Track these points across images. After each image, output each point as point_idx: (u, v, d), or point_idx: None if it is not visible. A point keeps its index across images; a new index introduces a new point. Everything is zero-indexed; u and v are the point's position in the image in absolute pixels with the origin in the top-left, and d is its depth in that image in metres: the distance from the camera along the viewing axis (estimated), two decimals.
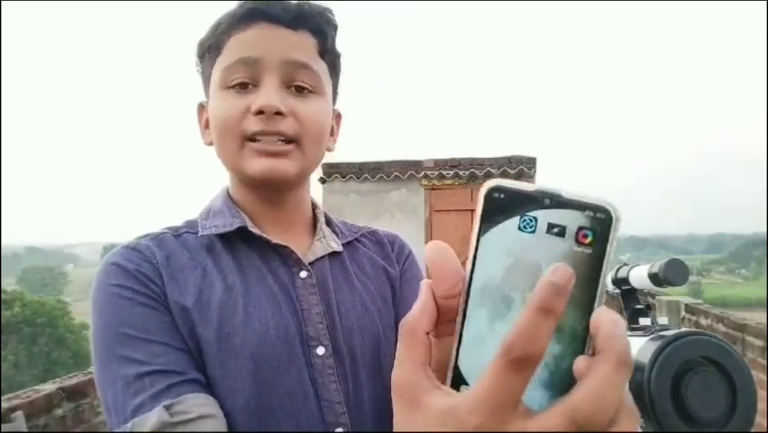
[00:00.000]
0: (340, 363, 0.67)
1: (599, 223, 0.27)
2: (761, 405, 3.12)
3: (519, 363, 0.24)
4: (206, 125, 0.72)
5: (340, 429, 0.64)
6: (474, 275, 0.29)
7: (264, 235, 0.68)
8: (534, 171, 6.59)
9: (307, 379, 0.64)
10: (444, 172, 6.71)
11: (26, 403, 2.46)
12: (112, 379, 0.57)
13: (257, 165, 0.65)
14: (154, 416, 0.53)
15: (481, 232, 0.29)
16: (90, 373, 2.85)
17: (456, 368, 0.29)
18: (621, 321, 0.26)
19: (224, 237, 0.69)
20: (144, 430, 0.53)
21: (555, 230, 0.28)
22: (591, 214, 0.27)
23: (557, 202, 0.28)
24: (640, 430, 0.51)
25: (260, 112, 0.64)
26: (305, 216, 0.76)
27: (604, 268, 0.27)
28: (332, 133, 0.75)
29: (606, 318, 0.26)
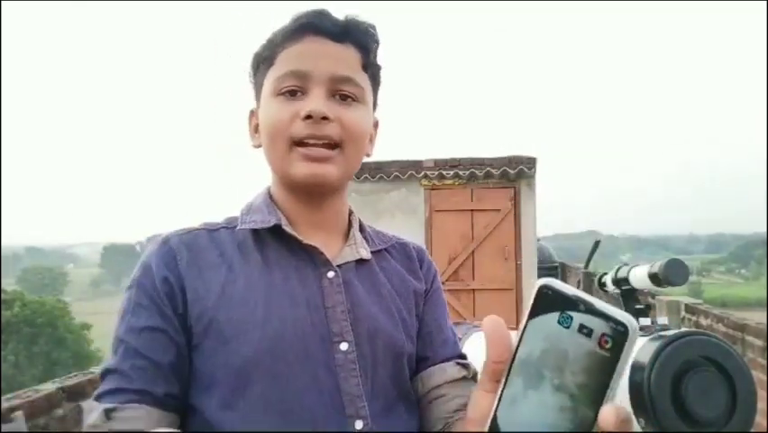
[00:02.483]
0: (362, 359, 0.70)
1: (619, 334, 0.34)
2: (761, 405, 3.11)
3: None
4: (255, 130, 0.79)
5: (360, 422, 0.67)
6: (519, 350, 0.37)
7: (296, 235, 0.73)
8: (534, 171, 6.55)
9: (328, 373, 0.68)
10: (444, 172, 6.69)
11: (26, 403, 2.46)
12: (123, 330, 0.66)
13: (302, 169, 0.71)
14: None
15: (530, 316, 0.37)
16: (91, 372, 2.84)
17: (495, 418, 0.37)
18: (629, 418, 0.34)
19: (257, 234, 0.74)
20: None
21: (584, 331, 0.35)
22: (614, 325, 0.34)
23: (589, 309, 0.35)
24: (640, 430, 0.50)
25: (308, 117, 0.70)
26: (340, 221, 0.81)
27: (617, 371, 0.34)
28: (370, 140, 0.81)
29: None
